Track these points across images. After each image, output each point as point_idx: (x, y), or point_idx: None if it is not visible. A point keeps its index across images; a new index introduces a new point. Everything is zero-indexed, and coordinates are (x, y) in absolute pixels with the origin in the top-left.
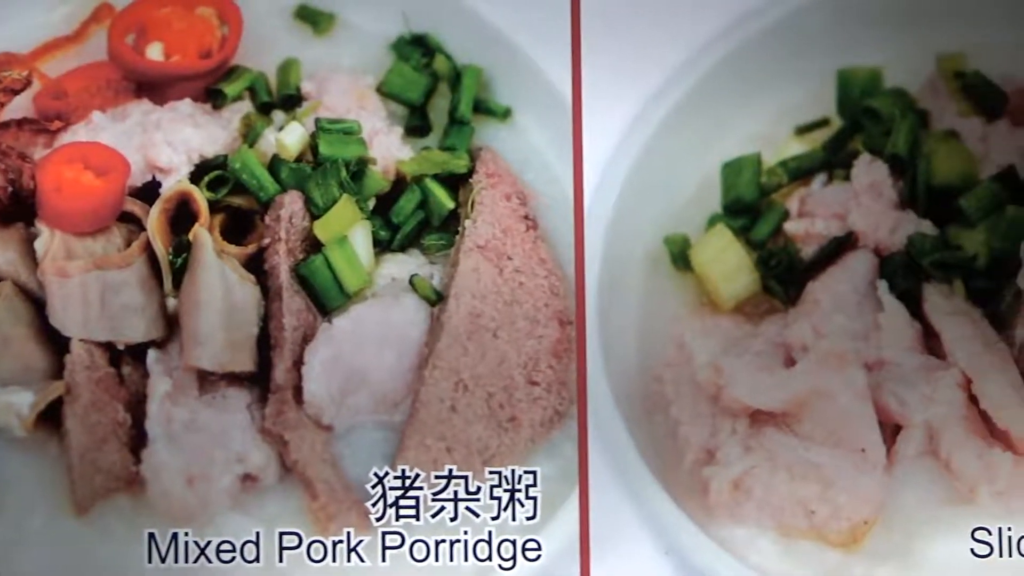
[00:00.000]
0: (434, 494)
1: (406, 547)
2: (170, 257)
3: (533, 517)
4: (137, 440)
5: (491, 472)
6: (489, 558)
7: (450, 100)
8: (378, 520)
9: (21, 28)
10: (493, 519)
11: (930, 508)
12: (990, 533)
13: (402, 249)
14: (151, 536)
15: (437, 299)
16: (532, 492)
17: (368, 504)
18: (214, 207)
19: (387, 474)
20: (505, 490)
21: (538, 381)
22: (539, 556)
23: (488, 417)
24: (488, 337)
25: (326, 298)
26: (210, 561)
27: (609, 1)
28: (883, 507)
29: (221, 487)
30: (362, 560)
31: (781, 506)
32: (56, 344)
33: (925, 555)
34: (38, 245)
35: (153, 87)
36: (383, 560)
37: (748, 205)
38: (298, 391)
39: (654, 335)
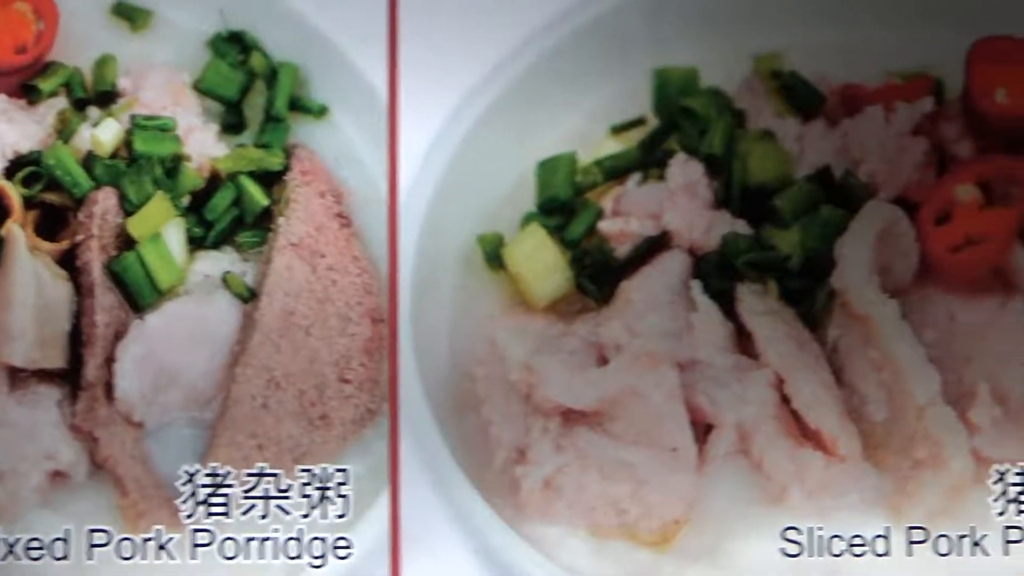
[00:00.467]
0: (245, 492)
1: (216, 545)
2: None
3: (344, 515)
4: None
5: (302, 470)
6: (299, 556)
7: (266, 97)
8: (188, 518)
9: None
10: (304, 517)
11: (741, 507)
12: (800, 532)
13: (216, 246)
14: None
15: (250, 296)
16: (343, 490)
17: (178, 501)
18: (28, 203)
19: (198, 471)
20: (316, 488)
21: (350, 379)
22: (350, 554)
23: (300, 415)
24: (300, 335)
25: (139, 295)
26: (19, 559)
27: None
28: (694, 506)
29: (30, 484)
30: (172, 558)
31: (592, 505)
32: None
33: (736, 554)
34: None
35: None
36: (193, 558)
37: (562, 204)
38: (109, 388)
39: (467, 334)
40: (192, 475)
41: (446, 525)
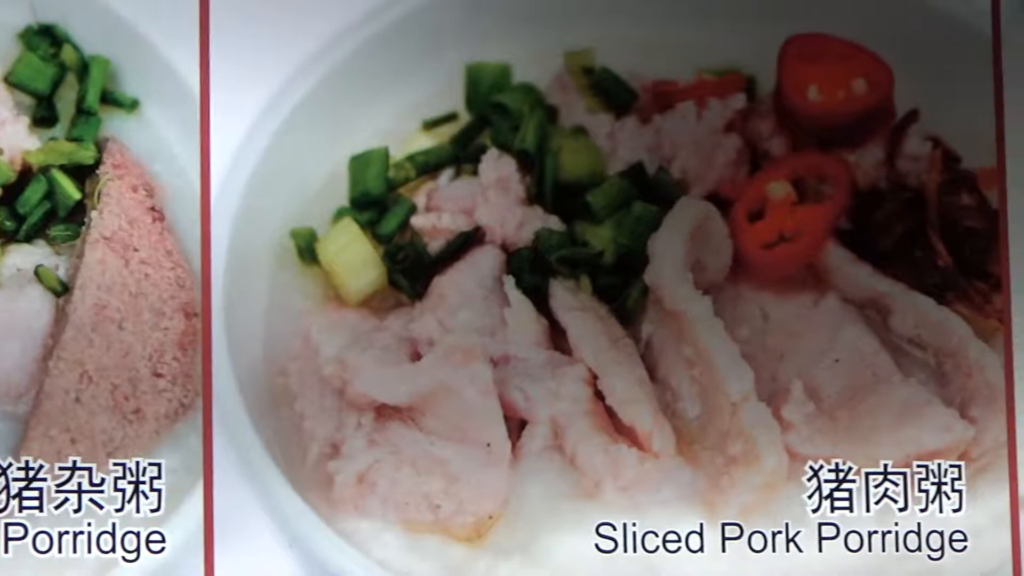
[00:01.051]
0: (58, 486)
1: (29, 539)
2: None
3: (157, 509)
4: None
5: (115, 464)
6: (112, 550)
7: (77, 91)
8: (1, 512)
9: None
10: (117, 511)
11: (555, 503)
12: (615, 528)
13: (28, 240)
14: None
15: (63, 290)
16: (156, 484)
17: None
18: None
19: (10, 465)
20: (129, 482)
21: (163, 373)
22: (163, 548)
23: (113, 409)
24: (113, 329)
25: None
26: None
27: None
28: (508, 502)
29: None
30: None
31: (406, 500)
32: None
33: (549, 550)
34: None
35: None
36: (6, 552)
37: (375, 199)
38: None
39: (280, 328)
40: (5, 469)
41: (260, 519)
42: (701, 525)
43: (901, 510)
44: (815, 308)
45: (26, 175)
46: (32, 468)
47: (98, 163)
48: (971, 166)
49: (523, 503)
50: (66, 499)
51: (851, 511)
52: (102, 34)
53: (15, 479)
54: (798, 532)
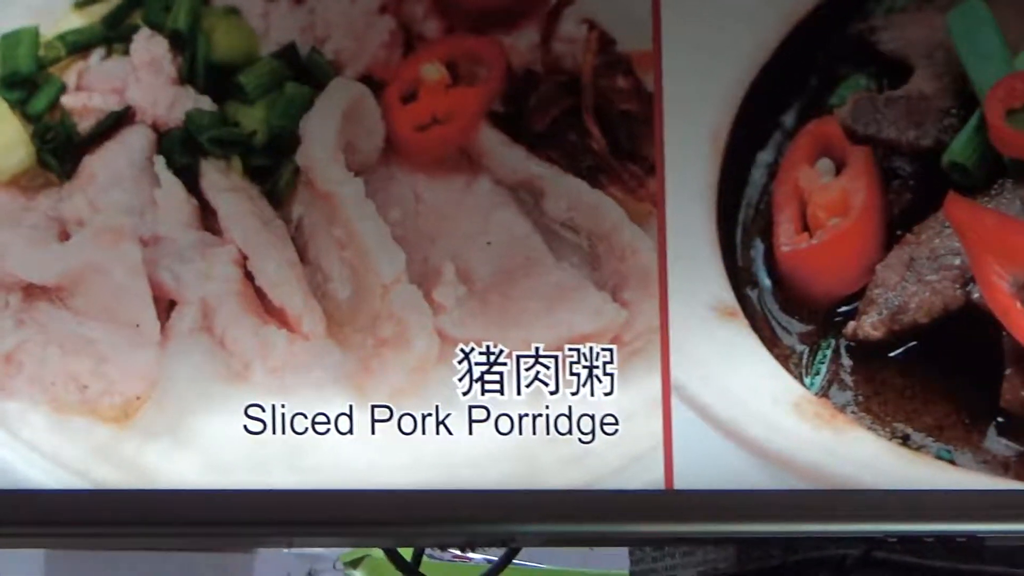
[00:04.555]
0: None
1: None
2: None
3: None
4: None
5: None
6: None
7: None
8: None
9: None
10: None
11: (204, 384)
12: (263, 410)
13: None
14: None
15: None
16: None
17: None
18: None
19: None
20: None
21: None
22: None
23: None
24: None
25: None
26: None
27: None
28: (156, 383)
29: None
30: None
31: (52, 380)
32: None
33: (198, 431)
34: None
35: None
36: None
37: (25, 78)
38: None
39: None
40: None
41: None
42: (351, 407)
43: (552, 393)
44: (468, 191)
45: None
46: None
47: None
48: (627, 49)
49: (172, 384)
50: None
51: (502, 394)
52: None
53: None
54: (448, 415)
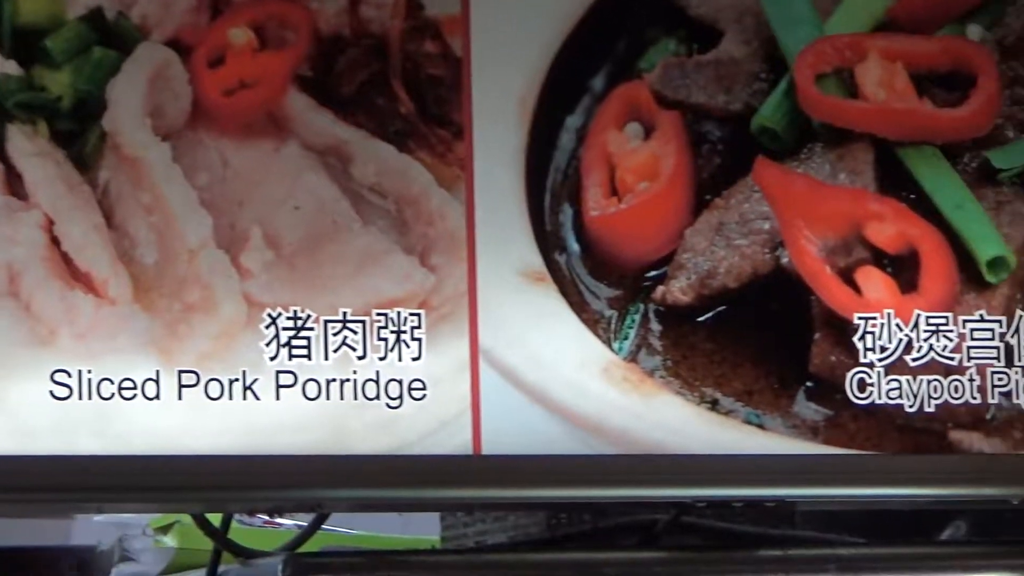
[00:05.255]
0: None
1: None
2: None
3: None
4: None
5: None
6: None
7: None
8: None
9: None
10: None
11: (9, 349)
12: (70, 375)
13: None
14: None
15: None
16: None
17: None
18: None
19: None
20: None
21: None
22: None
23: None
24: None
25: None
26: None
27: None
28: None
29: None
30: None
31: None
32: None
33: (3, 397)
34: None
35: None
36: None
37: None
38: None
39: None
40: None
41: None
42: (157, 372)
43: (360, 358)
44: (276, 155)
45: None
46: None
47: None
48: (435, 13)
49: None
50: None
51: (309, 359)
52: None
53: None
54: (255, 380)
